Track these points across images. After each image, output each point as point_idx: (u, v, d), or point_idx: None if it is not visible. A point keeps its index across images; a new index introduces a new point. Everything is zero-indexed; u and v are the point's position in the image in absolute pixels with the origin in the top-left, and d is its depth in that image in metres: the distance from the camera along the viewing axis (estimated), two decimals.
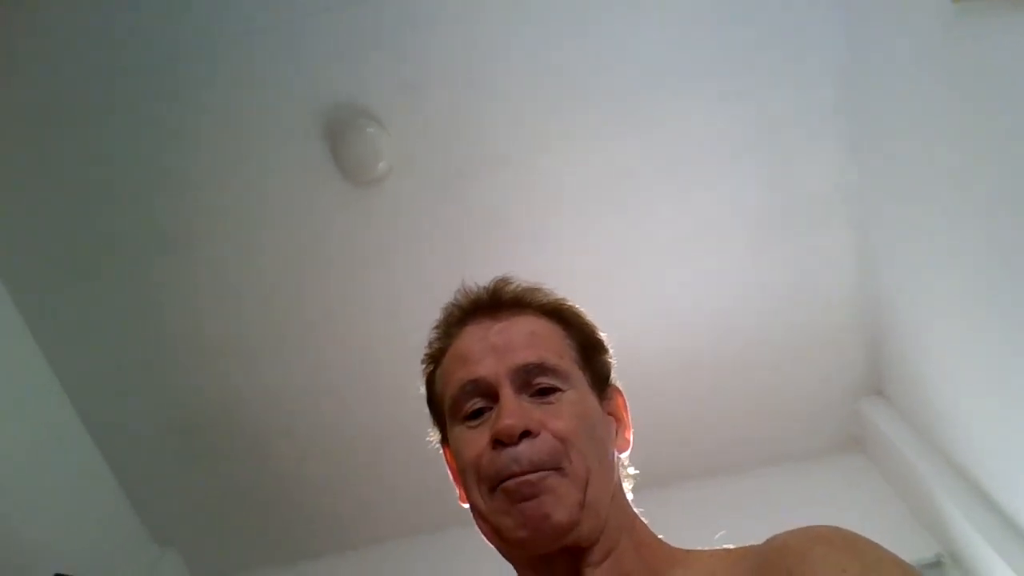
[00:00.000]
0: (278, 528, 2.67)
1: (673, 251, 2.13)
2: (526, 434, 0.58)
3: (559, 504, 0.57)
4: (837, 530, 0.56)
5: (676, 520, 2.18)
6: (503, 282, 0.71)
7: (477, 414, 0.63)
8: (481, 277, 2.18)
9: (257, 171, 2.15)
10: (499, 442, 0.58)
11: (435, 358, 0.70)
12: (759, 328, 2.18)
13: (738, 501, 2.19)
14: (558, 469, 0.58)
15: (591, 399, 0.66)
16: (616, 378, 0.75)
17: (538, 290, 0.72)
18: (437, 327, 0.72)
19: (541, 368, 0.63)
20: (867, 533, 1.82)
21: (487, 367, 0.63)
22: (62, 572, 1.91)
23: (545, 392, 0.62)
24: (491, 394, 0.62)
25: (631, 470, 0.72)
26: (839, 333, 2.19)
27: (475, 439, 0.61)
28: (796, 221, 2.08)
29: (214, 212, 2.21)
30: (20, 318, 2.35)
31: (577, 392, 0.64)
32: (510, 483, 0.57)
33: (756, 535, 1.86)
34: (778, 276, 2.14)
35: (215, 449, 2.55)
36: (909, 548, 1.86)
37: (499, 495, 0.58)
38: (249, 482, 2.60)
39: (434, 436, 0.71)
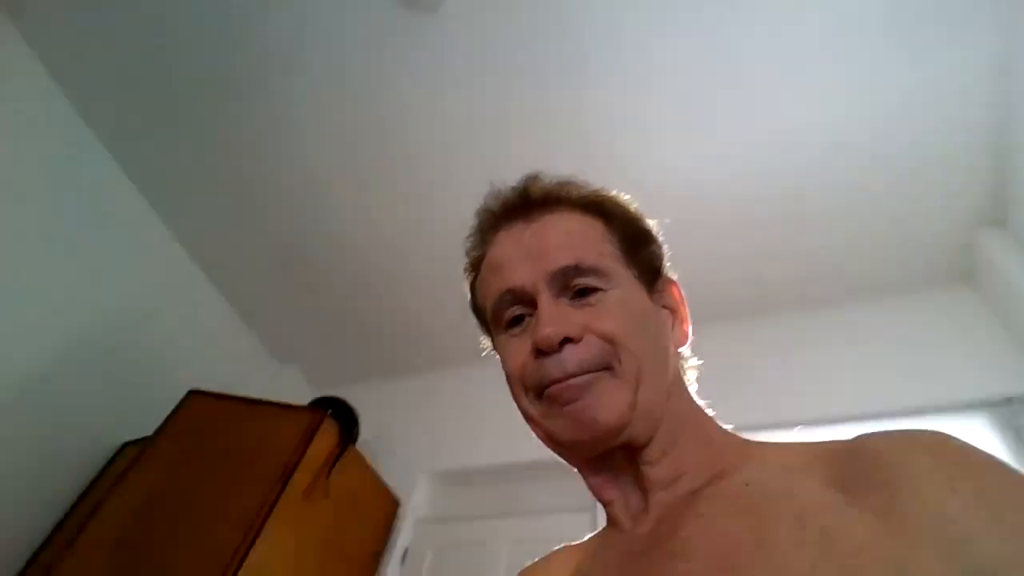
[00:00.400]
0: (383, 345, 2.88)
1: (783, 66, 1.81)
2: (567, 340, 0.54)
3: (607, 406, 0.53)
4: (943, 438, 0.45)
5: (774, 352, 2.16)
6: (532, 180, 0.64)
7: (517, 320, 0.59)
8: (558, 99, 2.02)
9: (313, 7, 2.00)
10: (541, 351, 0.54)
11: (474, 266, 0.65)
12: (873, 149, 1.90)
13: (838, 333, 2.10)
14: (608, 369, 0.54)
15: (639, 295, 0.60)
16: (669, 267, 0.66)
17: (571, 184, 0.64)
18: (471, 234, 0.66)
19: (578, 269, 0.57)
20: (968, 365, 1.71)
21: (522, 275, 0.58)
22: (197, 388, 2.16)
23: (585, 293, 0.57)
24: (529, 301, 0.57)
25: (693, 361, 0.65)
26: (961, 155, 1.91)
27: (517, 348, 0.58)
28: (925, 27, 1.73)
29: (279, 54, 2.10)
30: (118, 167, 2.47)
31: (622, 290, 0.58)
32: (554, 388, 0.54)
33: (854, 368, 1.79)
34: (898, 91, 1.83)
35: (320, 275, 2.69)
36: (1010, 381, 1.77)
37: (545, 400, 0.55)
38: (355, 304, 2.76)
39: (485, 342, 0.67)
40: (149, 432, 2.05)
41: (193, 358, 2.59)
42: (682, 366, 0.63)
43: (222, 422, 2.02)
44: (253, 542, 1.66)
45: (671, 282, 0.66)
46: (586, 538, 0.64)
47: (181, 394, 2.10)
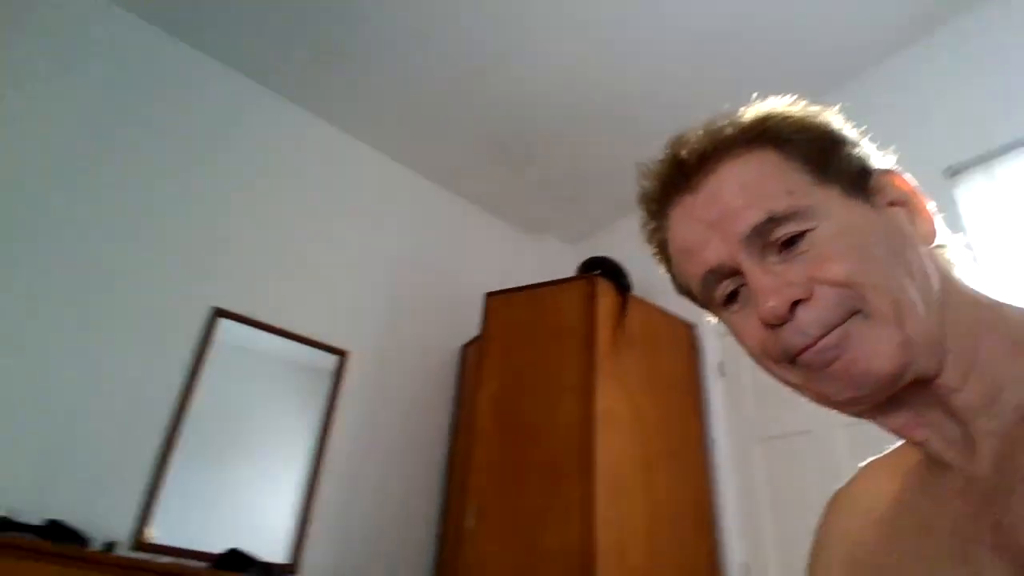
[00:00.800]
0: (617, 185, 2.90)
1: None
2: (796, 303, 0.45)
3: (875, 354, 0.44)
4: None
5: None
6: (678, 145, 0.53)
7: (732, 296, 0.50)
8: None
9: None
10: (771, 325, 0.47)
11: (662, 252, 0.57)
12: None
13: None
14: (857, 312, 0.45)
15: (855, 212, 0.48)
16: (879, 156, 0.52)
17: (721, 127, 0.51)
18: (643, 224, 0.57)
19: (773, 221, 0.47)
20: None
21: (714, 251, 0.49)
22: (491, 290, 2.46)
23: (793, 242, 0.47)
24: (736, 273, 0.49)
25: (960, 246, 0.51)
26: None
27: (745, 325, 0.49)
28: None
29: None
30: (304, 110, 2.73)
31: (832, 219, 0.47)
32: (806, 356, 0.46)
33: None
34: None
35: (536, 144, 2.78)
36: None
37: (801, 366, 0.47)
38: (576, 158, 2.82)
39: (710, 317, 0.58)
40: (475, 332, 2.44)
41: (472, 262, 2.93)
42: (944, 260, 0.50)
43: (521, 311, 2.30)
44: (593, 399, 1.95)
45: (888, 172, 0.51)
46: (890, 450, 0.57)
47: (478, 295, 2.42)
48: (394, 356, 2.57)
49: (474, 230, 3.11)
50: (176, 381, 2.05)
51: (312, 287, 2.45)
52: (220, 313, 2.20)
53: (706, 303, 0.54)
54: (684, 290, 0.57)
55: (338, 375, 2.38)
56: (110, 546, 1.65)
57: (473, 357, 2.48)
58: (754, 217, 0.47)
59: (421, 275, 2.80)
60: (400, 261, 2.76)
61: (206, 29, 2.38)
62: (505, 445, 2.05)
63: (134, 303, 2.05)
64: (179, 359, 2.08)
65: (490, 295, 2.42)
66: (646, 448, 1.99)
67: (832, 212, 0.47)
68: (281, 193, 2.50)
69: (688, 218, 0.51)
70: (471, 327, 2.55)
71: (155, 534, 1.85)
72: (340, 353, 2.41)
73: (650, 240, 0.57)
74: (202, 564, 1.75)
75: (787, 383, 0.49)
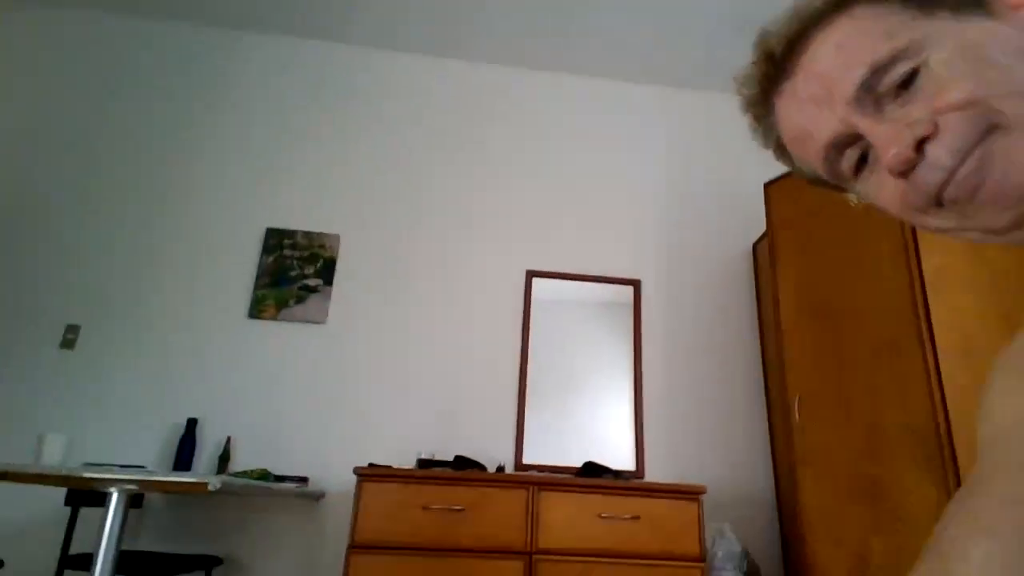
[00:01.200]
0: None
1: None
2: (921, 143, 0.40)
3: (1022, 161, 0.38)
4: None
5: None
6: (764, 39, 0.49)
7: (862, 163, 0.45)
8: None
9: None
10: (902, 173, 0.42)
11: (783, 151, 0.53)
12: None
13: None
14: (992, 131, 0.39)
15: (972, 28, 0.42)
16: None
17: (800, 8, 0.47)
18: (753, 132, 0.53)
19: (878, 71, 0.42)
20: None
21: (825, 123, 0.45)
22: (770, 177, 2.23)
23: (909, 83, 0.41)
24: (856, 139, 0.44)
25: None
26: None
27: (881, 186, 0.44)
28: None
29: None
30: (552, 73, 2.77)
31: (944, 44, 0.41)
32: (948, 192, 0.40)
33: None
34: None
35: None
36: None
37: (949, 205, 0.41)
38: None
39: (851, 199, 0.53)
40: (763, 228, 2.27)
41: (745, 155, 2.71)
42: None
43: (806, 191, 2.00)
44: (917, 259, 1.64)
45: None
46: None
47: (759, 187, 2.23)
48: (686, 271, 2.57)
49: (740, 121, 2.84)
50: (515, 337, 2.44)
51: (598, 230, 2.63)
52: (532, 274, 2.51)
53: (839, 181, 0.50)
54: (815, 179, 0.53)
55: (636, 303, 2.48)
56: (500, 468, 2.07)
57: (765, 253, 2.30)
58: (857, 73, 0.42)
59: (696, 185, 2.73)
60: (672, 180, 2.74)
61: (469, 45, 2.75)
62: (819, 332, 1.87)
63: (471, 280, 2.50)
64: (512, 319, 2.47)
65: (768, 185, 2.22)
66: (1000, 301, 1.58)
67: (942, 38, 0.42)
68: (561, 153, 2.75)
69: (793, 103, 0.48)
70: (759, 223, 2.37)
71: (529, 457, 2.24)
72: (633, 283, 2.50)
73: (766, 145, 0.54)
74: (567, 476, 2.05)
75: (944, 230, 0.44)
